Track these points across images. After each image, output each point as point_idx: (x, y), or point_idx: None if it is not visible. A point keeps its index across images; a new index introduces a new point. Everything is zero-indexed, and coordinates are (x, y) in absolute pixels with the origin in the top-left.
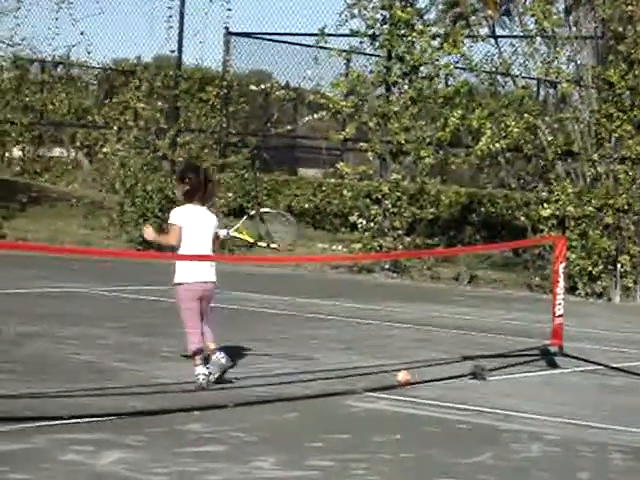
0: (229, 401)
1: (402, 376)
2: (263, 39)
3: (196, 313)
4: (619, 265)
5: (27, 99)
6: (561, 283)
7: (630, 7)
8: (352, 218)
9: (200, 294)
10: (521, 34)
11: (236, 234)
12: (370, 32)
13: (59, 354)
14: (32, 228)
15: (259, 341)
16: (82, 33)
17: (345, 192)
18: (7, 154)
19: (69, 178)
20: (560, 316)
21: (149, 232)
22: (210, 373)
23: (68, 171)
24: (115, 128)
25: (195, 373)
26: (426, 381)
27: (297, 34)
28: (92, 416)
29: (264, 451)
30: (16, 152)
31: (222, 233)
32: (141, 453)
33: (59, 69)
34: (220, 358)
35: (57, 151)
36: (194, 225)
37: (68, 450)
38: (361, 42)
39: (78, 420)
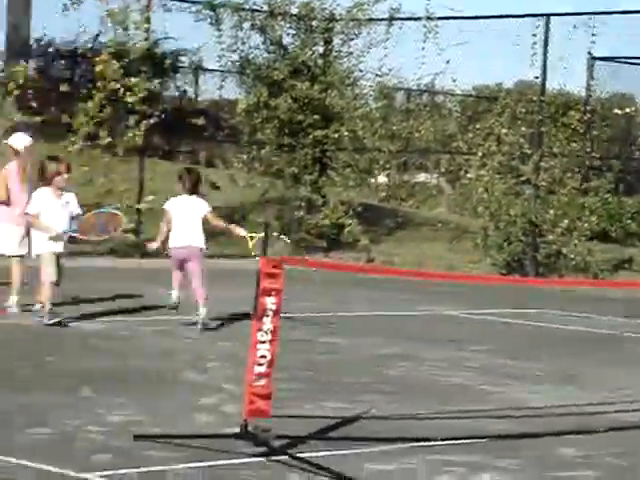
0: (600, 426)
1: None
2: (627, 63)
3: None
4: None
5: (394, 127)
6: None
7: None
8: None
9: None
10: None
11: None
12: None
13: (426, 376)
14: (398, 252)
15: (632, 365)
16: (448, 62)
17: None
18: (373, 180)
19: (432, 203)
20: None
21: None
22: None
23: (432, 196)
24: (479, 154)
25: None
26: None
27: None
28: (464, 438)
29: (636, 477)
30: (381, 178)
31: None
32: (513, 476)
33: (424, 97)
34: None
35: (421, 177)
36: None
37: (442, 471)
38: None
39: (450, 442)
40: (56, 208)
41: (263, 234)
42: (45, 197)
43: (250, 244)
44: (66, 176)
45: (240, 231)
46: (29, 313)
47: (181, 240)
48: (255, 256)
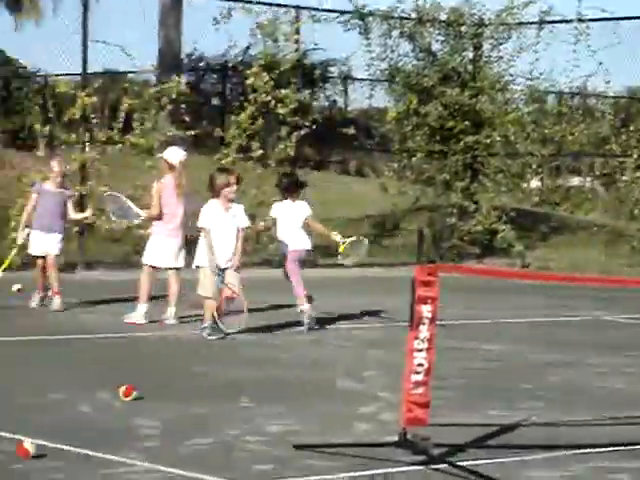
0: None
1: None
2: None
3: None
4: None
5: (546, 131)
6: None
7: None
8: None
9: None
10: None
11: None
12: None
13: (585, 382)
14: (553, 257)
15: None
16: (600, 63)
17: None
18: (526, 185)
19: (587, 207)
20: None
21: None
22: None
23: (587, 200)
24: (634, 156)
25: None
26: None
27: None
28: (627, 445)
29: None
30: (534, 183)
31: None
32: None
33: (575, 100)
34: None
35: (575, 180)
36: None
37: (607, 479)
38: None
39: (613, 449)
40: (224, 221)
41: (353, 238)
42: (214, 209)
43: (341, 248)
44: (235, 187)
45: (336, 237)
46: (186, 324)
47: (291, 245)
48: (346, 257)
